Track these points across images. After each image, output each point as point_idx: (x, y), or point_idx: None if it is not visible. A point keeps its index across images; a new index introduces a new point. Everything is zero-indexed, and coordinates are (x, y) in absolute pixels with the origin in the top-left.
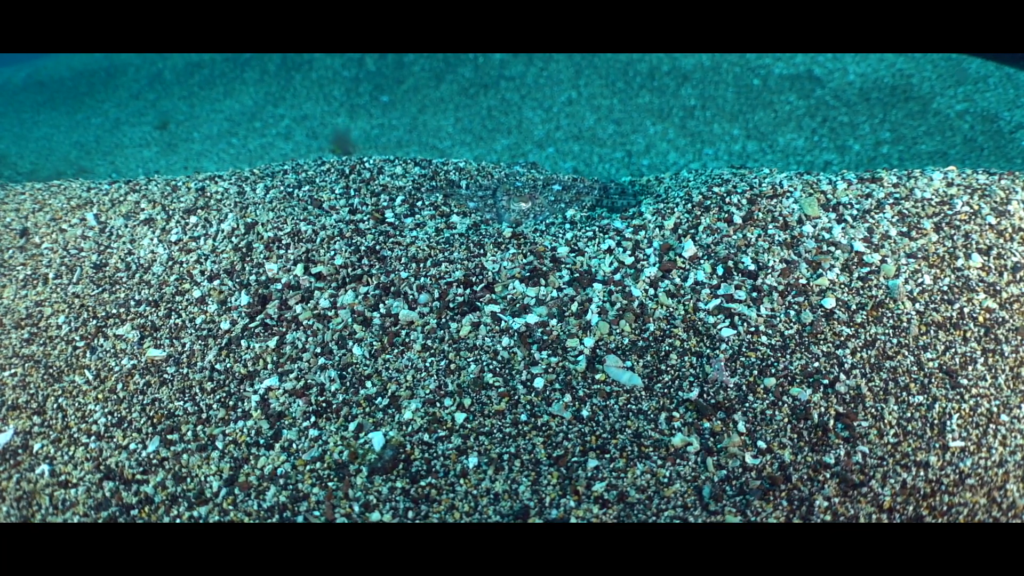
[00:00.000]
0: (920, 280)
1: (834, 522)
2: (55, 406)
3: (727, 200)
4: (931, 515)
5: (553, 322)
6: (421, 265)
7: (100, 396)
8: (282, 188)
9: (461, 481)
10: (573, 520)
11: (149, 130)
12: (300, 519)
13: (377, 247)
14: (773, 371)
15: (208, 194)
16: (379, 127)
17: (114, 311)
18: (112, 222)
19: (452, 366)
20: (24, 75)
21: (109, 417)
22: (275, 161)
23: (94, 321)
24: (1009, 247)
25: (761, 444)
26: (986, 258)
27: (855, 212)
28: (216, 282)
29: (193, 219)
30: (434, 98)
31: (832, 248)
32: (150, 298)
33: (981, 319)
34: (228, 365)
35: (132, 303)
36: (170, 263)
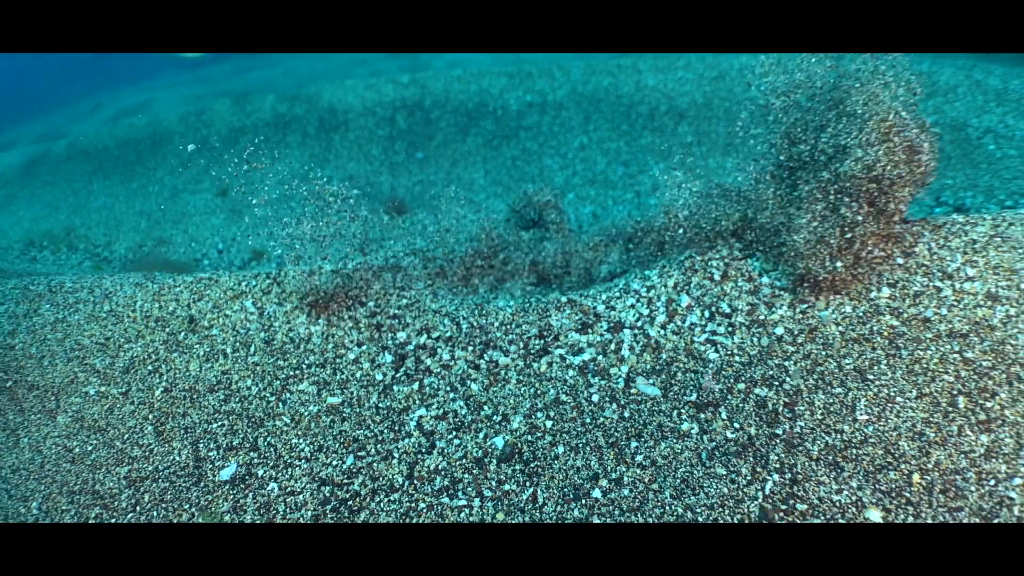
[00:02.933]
0: (843, 310)
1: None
2: (265, 443)
3: (709, 263)
4: (846, 463)
5: (600, 357)
6: (509, 326)
7: (299, 432)
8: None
9: (555, 463)
10: (626, 480)
11: (210, 197)
12: (460, 498)
13: (473, 319)
14: (743, 379)
15: (347, 292)
16: (419, 183)
17: (291, 373)
18: (267, 307)
19: (538, 392)
20: (65, 144)
21: (311, 446)
22: (334, 222)
23: (277, 382)
24: (912, 279)
25: (736, 425)
26: (893, 289)
27: None
28: (363, 347)
29: (334, 304)
30: (463, 151)
31: (782, 292)
32: (317, 362)
33: (886, 333)
34: (388, 404)
35: (304, 366)
36: (325, 336)
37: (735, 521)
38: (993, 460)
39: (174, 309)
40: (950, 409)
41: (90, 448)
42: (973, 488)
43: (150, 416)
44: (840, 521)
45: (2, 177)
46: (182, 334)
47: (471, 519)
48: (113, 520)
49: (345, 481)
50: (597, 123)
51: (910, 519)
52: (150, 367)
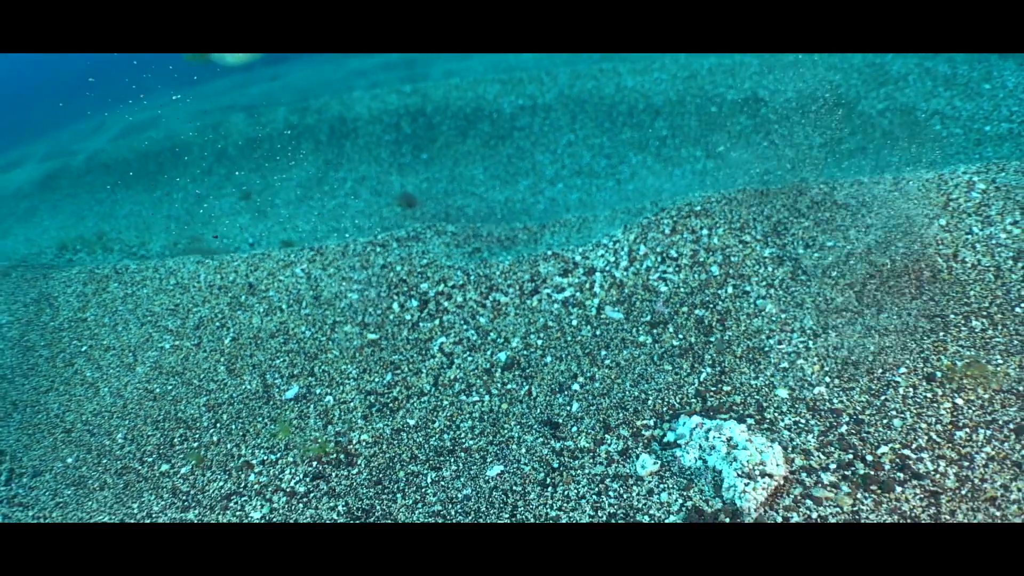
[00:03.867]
0: (751, 248)
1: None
2: (320, 370)
3: (662, 221)
4: (761, 358)
5: (577, 294)
6: (507, 274)
7: (346, 361)
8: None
9: (545, 369)
10: (597, 377)
11: (234, 201)
12: (474, 395)
13: (479, 271)
14: (687, 304)
15: (370, 257)
16: (426, 180)
17: (339, 319)
18: (314, 272)
19: (531, 320)
20: (83, 159)
21: (357, 369)
22: (353, 216)
23: (325, 326)
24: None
25: (680, 336)
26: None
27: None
28: (397, 296)
29: (371, 270)
30: (463, 151)
31: (716, 241)
32: (357, 310)
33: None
34: (416, 336)
35: (348, 313)
36: (363, 290)
37: (676, 403)
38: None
39: (234, 279)
40: (838, 314)
41: (170, 388)
42: (864, 376)
43: (222, 359)
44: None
45: (20, 191)
46: (243, 297)
47: (483, 410)
48: (196, 439)
49: (385, 391)
50: (583, 122)
51: (808, 395)
52: (218, 324)
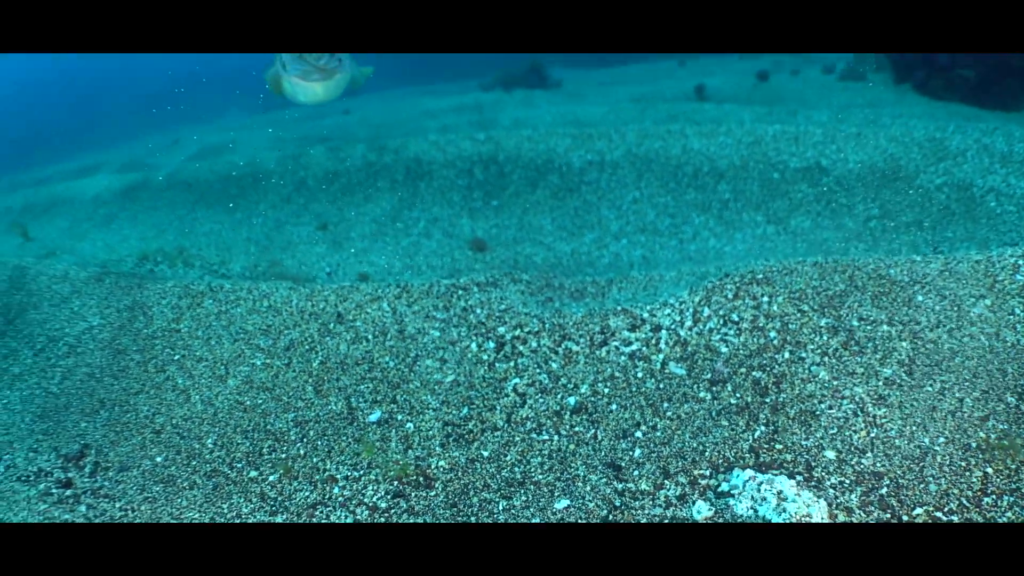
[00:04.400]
0: (810, 324)
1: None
2: (402, 399)
3: (725, 286)
4: (813, 421)
5: (644, 348)
6: (579, 325)
7: (426, 392)
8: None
9: (610, 415)
10: (659, 426)
11: (311, 230)
12: (544, 434)
13: (554, 320)
14: (745, 366)
15: (452, 298)
16: (496, 227)
17: (420, 353)
18: (399, 308)
19: (599, 370)
20: (165, 175)
21: (436, 401)
22: (427, 255)
23: (408, 358)
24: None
25: (737, 395)
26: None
27: (797, 291)
28: (476, 337)
29: (452, 311)
30: (532, 201)
31: (775, 308)
32: (438, 346)
33: (825, 351)
34: (492, 375)
35: (430, 348)
36: (444, 329)
37: (731, 456)
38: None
39: (324, 307)
40: (888, 390)
41: (259, 401)
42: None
43: (310, 380)
44: (809, 464)
45: (99, 198)
46: (332, 325)
47: (552, 449)
48: (283, 451)
49: (462, 423)
50: (648, 180)
51: (853, 458)
52: (307, 347)
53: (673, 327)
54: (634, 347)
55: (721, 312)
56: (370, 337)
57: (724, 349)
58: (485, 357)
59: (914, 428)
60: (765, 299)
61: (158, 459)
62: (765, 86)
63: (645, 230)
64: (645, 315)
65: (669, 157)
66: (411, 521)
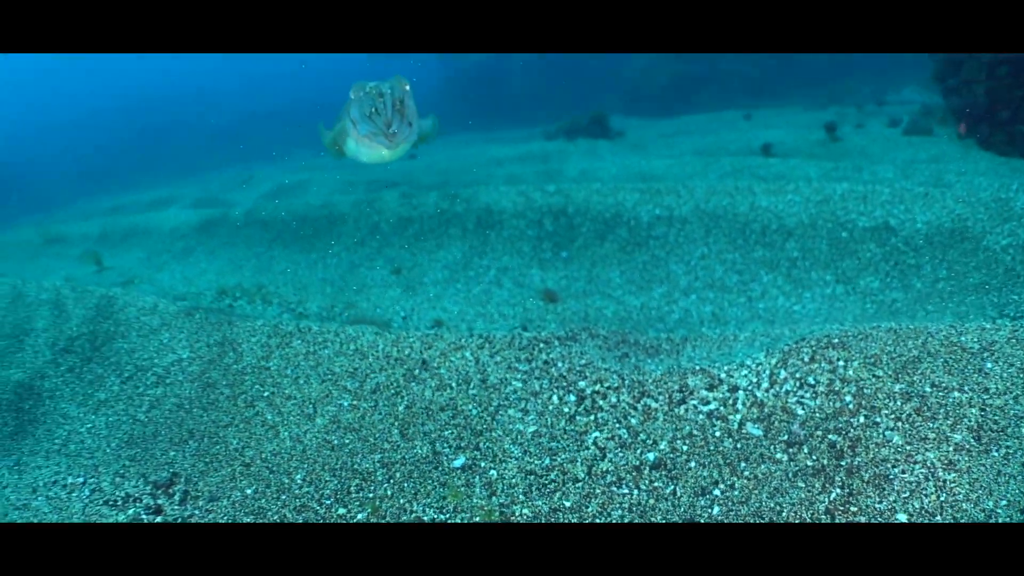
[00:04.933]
0: (879, 389)
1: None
2: (486, 446)
3: (802, 350)
4: (887, 484)
5: (721, 408)
6: (658, 382)
7: (508, 441)
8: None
9: (689, 472)
10: (736, 485)
11: (385, 274)
12: (624, 488)
13: (633, 376)
14: (821, 429)
15: (534, 351)
16: (565, 278)
17: (503, 403)
18: (482, 358)
19: (678, 427)
20: (242, 212)
21: (519, 450)
22: (498, 303)
23: (491, 407)
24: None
25: (813, 457)
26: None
27: (871, 356)
28: (557, 390)
29: (534, 363)
30: (601, 254)
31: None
32: (521, 397)
33: (905, 413)
34: (572, 428)
35: (512, 399)
36: (526, 381)
37: (807, 518)
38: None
39: (409, 353)
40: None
41: (347, 441)
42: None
43: (396, 423)
44: (875, 522)
45: (177, 231)
46: (417, 371)
47: (631, 502)
48: (371, 490)
49: (544, 473)
50: (716, 236)
51: (924, 522)
52: (393, 391)
53: (750, 388)
54: (712, 406)
55: (798, 375)
56: (454, 385)
57: (800, 412)
58: (566, 410)
59: (980, 492)
60: (841, 363)
61: (248, 491)
62: (830, 140)
63: (714, 286)
64: (723, 375)
65: (737, 214)
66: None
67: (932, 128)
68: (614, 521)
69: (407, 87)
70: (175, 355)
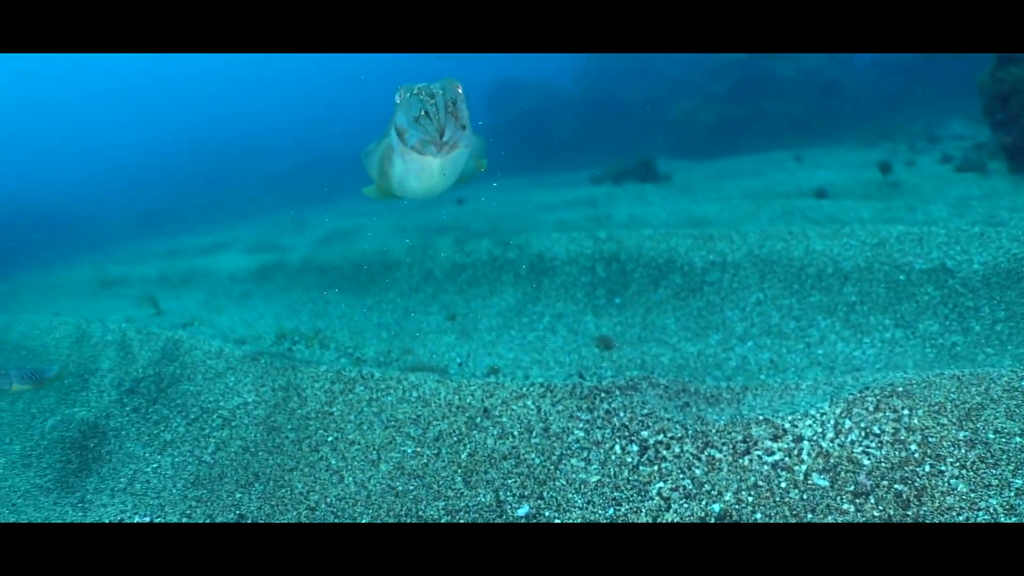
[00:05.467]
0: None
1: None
2: (549, 495)
3: (866, 399)
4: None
5: (786, 459)
6: (722, 432)
7: (572, 491)
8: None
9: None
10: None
11: (440, 320)
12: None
13: (696, 426)
14: (887, 479)
15: (596, 400)
16: (620, 325)
17: (565, 452)
18: (544, 406)
19: (742, 478)
20: (299, 258)
21: (582, 500)
22: (553, 351)
23: (554, 456)
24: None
25: (880, 507)
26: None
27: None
28: (620, 440)
29: (595, 412)
30: (655, 300)
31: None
32: (583, 447)
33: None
34: (636, 478)
35: (574, 448)
36: (588, 430)
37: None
38: None
39: (471, 402)
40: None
41: (411, 488)
42: None
43: (459, 471)
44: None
45: (235, 275)
46: (479, 419)
47: None
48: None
49: (609, 522)
50: (771, 282)
51: None
52: (455, 438)
53: (815, 438)
54: (777, 457)
55: (863, 424)
56: (516, 433)
57: (867, 461)
58: (629, 460)
59: None
60: (906, 412)
61: None
62: (881, 179)
63: (771, 332)
64: (787, 425)
65: (792, 258)
66: None
67: (984, 163)
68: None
69: (460, 89)
70: (241, 398)
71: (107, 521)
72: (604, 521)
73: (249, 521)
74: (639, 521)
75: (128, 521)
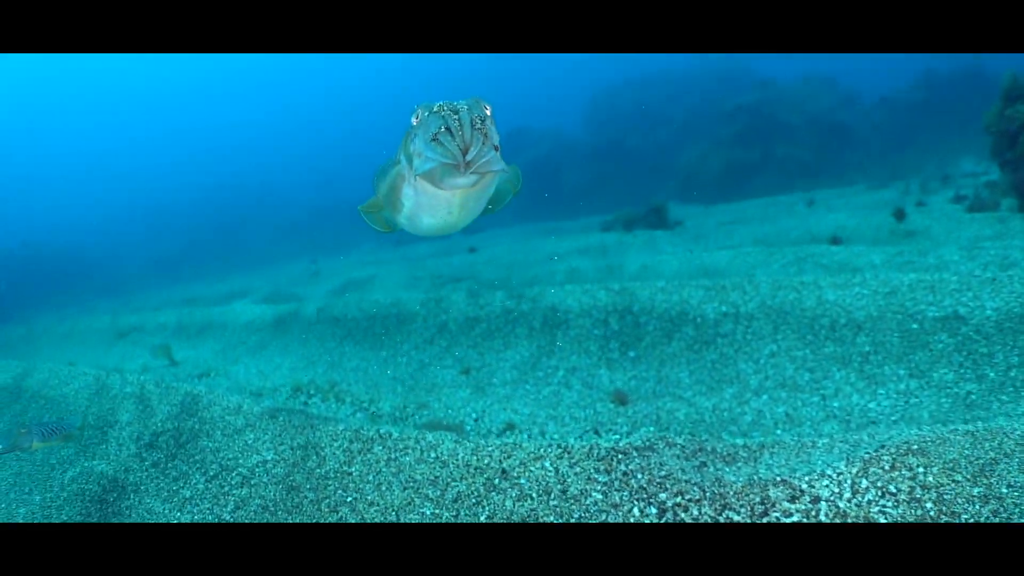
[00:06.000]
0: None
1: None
2: None
3: (882, 457)
4: None
5: (804, 520)
6: (740, 494)
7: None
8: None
9: None
10: None
11: (454, 374)
12: None
13: (714, 488)
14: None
15: (613, 462)
16: (634, 379)
17: (583, 515)
18: (561, 468)
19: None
20: (314, 309)
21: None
22: (569, 406)
23: (572, 519)
24: None
25: None
26: None
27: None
28: (638, 502)
29: (613, 474)
30: (669, 353)
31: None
32: (601, 509)
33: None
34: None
35: (592, 511)
36: (606, 492)
37: None
38: None
39: (488, 463)
40: None
41: None
42: None
43: None
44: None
45: (252, 325)
46: (497, 480)
47: None
48: None
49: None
50: (784, 333)
51: None
52: (474, 500)
53: (832, 498)
54: (795, 518)
55: (879, 484)
56: (535, 495)
57: (883, 520)
58: (648, 522)
59: None
60: (921, 470)
61: None
62: (894, 223)
63: (785, 385)
64: (804, 486)
65: (804, 309)
66: None
67: (997, 202)
68: None
69: (488, 110)
70: (259, 456)
71: None
72: None
73: None
74: None
75: None
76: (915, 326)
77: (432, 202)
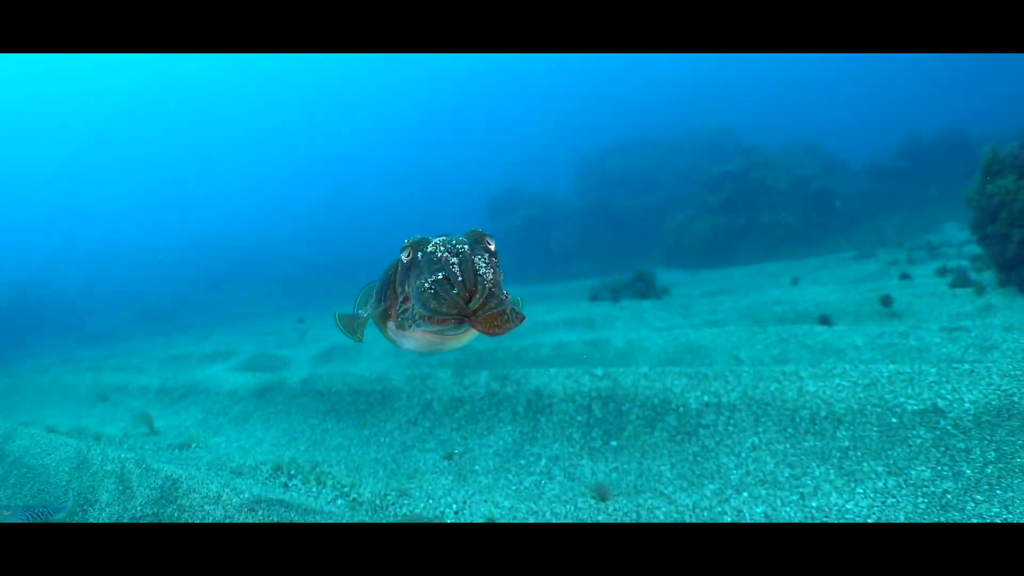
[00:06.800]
0: None
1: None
2: None
3: None
4: None
5: None
6: None
7: None
8: None
9: None
10: None
11: (437, 458)
12: None
13: None
14: None
15: None
16: (615, 471)
17: None
18: None
19: None
20: (299, 380)
21: None
22: (550, 500)
23: None
24: None
25: None
26: None
27: None
28: None
29: None
30: (651, 444)
31: None
32: None
33: None
34: None
35: None
36: None
37: None
38: None
39: None
40: None
41: None
42: None
43: None
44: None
45: (235, 394)
46: None
47: None
48: None
49: None
50: (766, 425)
51: None
52: None
53: None
54: None
55: None
56: None
57: None
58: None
59: None
60: None
61: None
62: (877, 298)
63: (765, 482)
64: None
65: (786, 400)
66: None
67: (979, 280)
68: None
69: (492, 245)
70: None
71: None
72: None
73: None
74: None
75: None
76: (894, 420)
77: (419, 343)
